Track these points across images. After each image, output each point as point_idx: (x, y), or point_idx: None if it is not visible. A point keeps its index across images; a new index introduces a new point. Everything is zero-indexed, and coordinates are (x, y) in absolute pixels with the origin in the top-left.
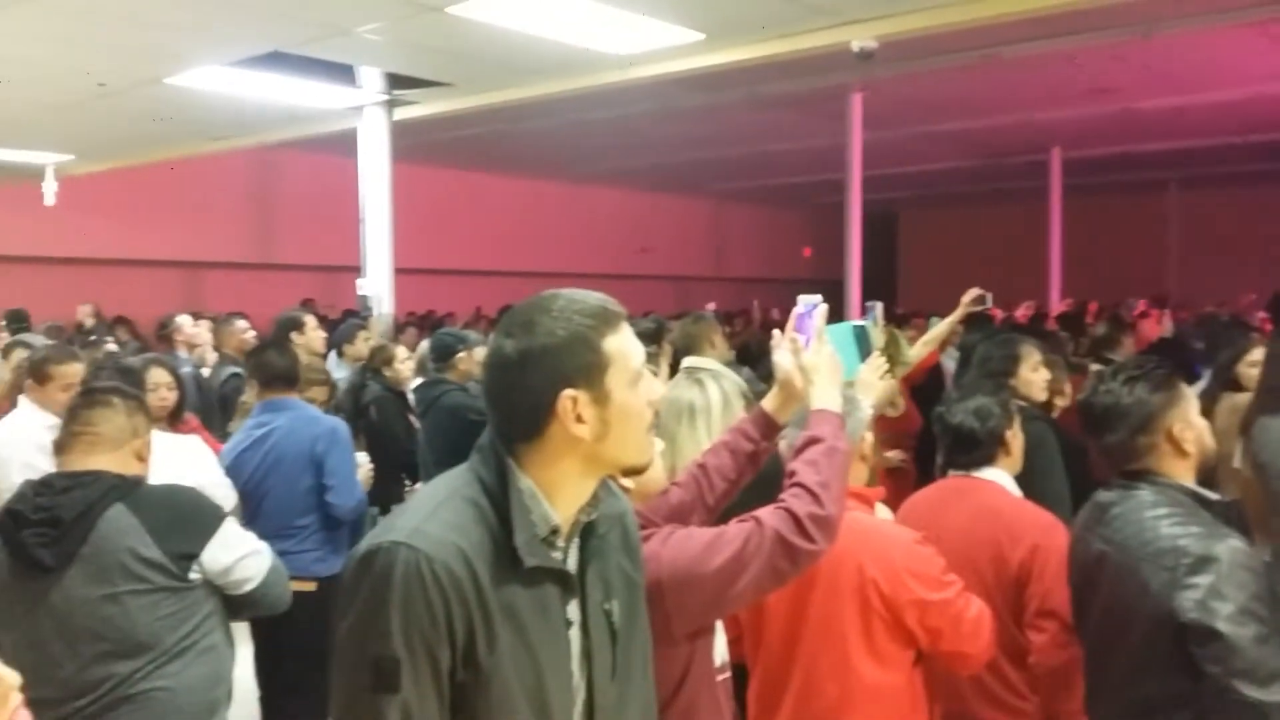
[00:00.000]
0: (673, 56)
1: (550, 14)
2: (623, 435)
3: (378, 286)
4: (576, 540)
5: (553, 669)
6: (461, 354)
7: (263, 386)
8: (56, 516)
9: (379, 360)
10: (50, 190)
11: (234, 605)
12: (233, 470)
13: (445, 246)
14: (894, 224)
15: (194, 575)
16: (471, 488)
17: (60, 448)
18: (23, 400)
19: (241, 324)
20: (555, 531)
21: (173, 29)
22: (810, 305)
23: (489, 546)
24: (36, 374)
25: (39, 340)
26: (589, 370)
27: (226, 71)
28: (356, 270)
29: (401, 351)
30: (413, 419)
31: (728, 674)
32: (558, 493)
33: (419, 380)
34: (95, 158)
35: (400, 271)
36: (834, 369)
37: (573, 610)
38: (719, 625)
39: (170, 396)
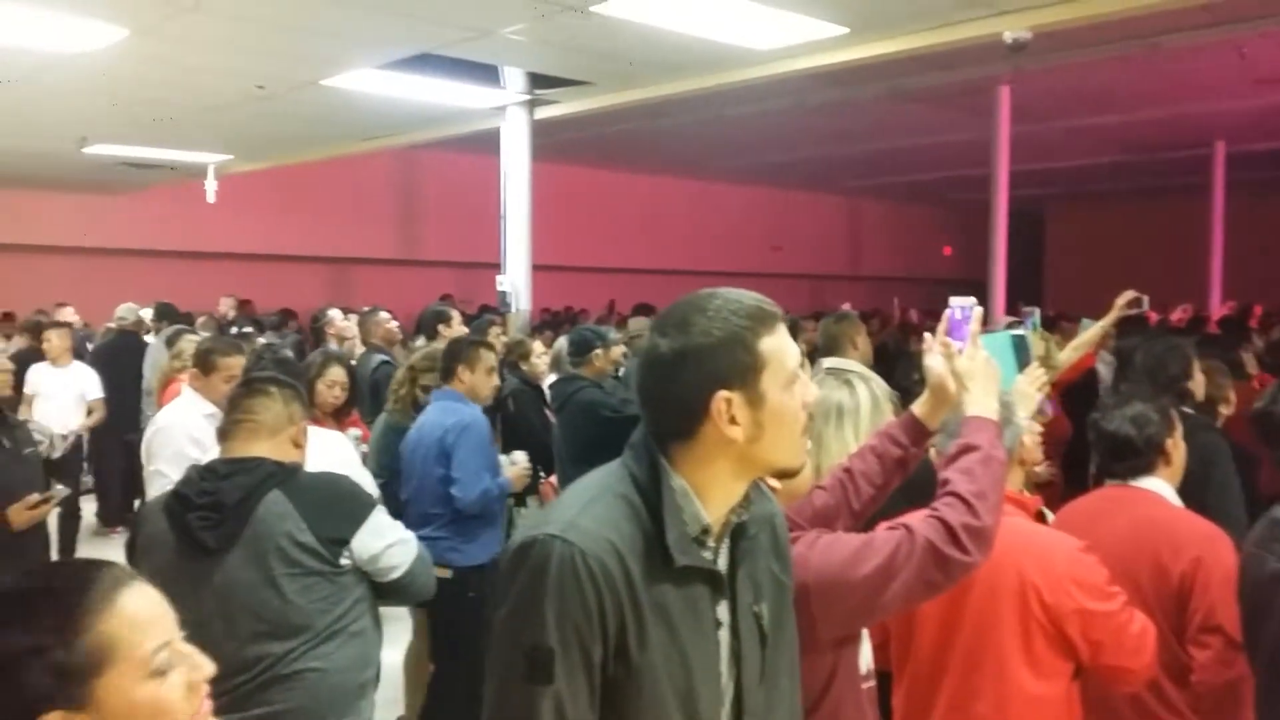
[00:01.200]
0: (815, 51)
1: (694, 10)
2: (776, 437)
3: (516, 282)
4: (727, 541)
5: (702, 670)
6: (598, 351)
7: (441, 376)
8: (219, 501)
9: (516, 355)
10: (211, 189)
11: (381, 592)
12: (406, 457)
13: (580, 244)
14: (1040, 222)
15: (345, 561)
16: (624, 484)
17: (223, 435)
18: (186, 389)
19: (384, 315)
20: (706, 531)
21: (329, 34)
22: (965, 308)
23: (641, 543)
24: (202, 364)
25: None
26: (744, 371)
27: (377, 74)
28: (494, 267)
29: (538, 346)
30: (548, 413)
31: (873, 682)
32: (709, 493)
33: (555, 375)
34: (252, 157)
35: (536, 268)
36: (990, 375)
37: (722, 611)
38: (864, 632)
39: (343, 395)
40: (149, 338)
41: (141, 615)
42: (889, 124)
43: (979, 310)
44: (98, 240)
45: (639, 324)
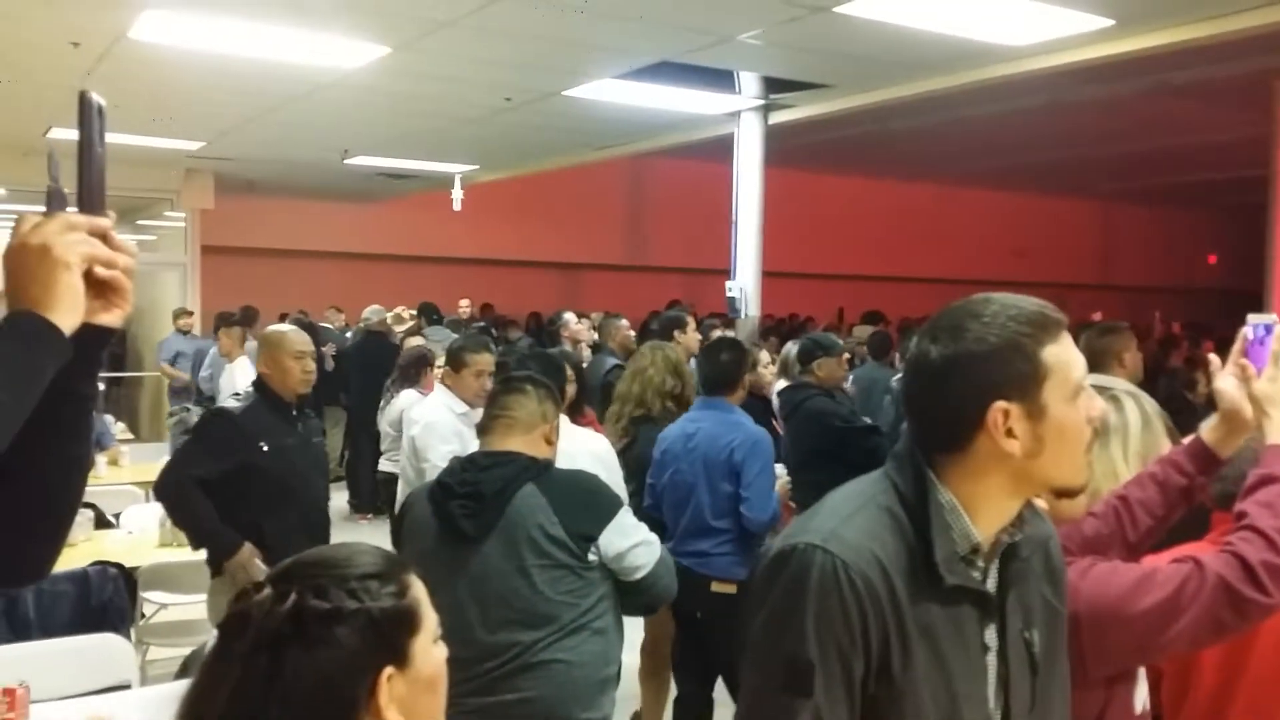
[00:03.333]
0: (1074, 46)
1: (944, 7)
2: (1058, 453)
3: (745, 288)
4: (997, 562)
5: (968, 695)
6: (827, 359)
7: (703, 386)
8: (479, 491)
9: None
10: (458, 197)
11: (625, 591)
12: (660, 462)
13: (808, 250)
14: None
15: (591, 557)
16: (888, 496)
17: (482, 429)
18: (438, 386)
19: (623, 322)
20: (976, 550)
21: (574, 45)
22: (1264, 326)
23: (905, 559)
24: (453, 362)
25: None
26: (1023, 381)
27: (615, 83)
28: (721, 273)
29: (764, 356)
30: (775, 423)
31: None
32: (980, 509)
33: (783, 384)
34: (495, 167)
35: (764, 274)
36: None
37: (990, 636)
38: (1141, 671)
39: (569, 390)
40: (415, 340)
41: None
42: (1151, 122)
43: None
44: (356, 246)
45: (863, 331)
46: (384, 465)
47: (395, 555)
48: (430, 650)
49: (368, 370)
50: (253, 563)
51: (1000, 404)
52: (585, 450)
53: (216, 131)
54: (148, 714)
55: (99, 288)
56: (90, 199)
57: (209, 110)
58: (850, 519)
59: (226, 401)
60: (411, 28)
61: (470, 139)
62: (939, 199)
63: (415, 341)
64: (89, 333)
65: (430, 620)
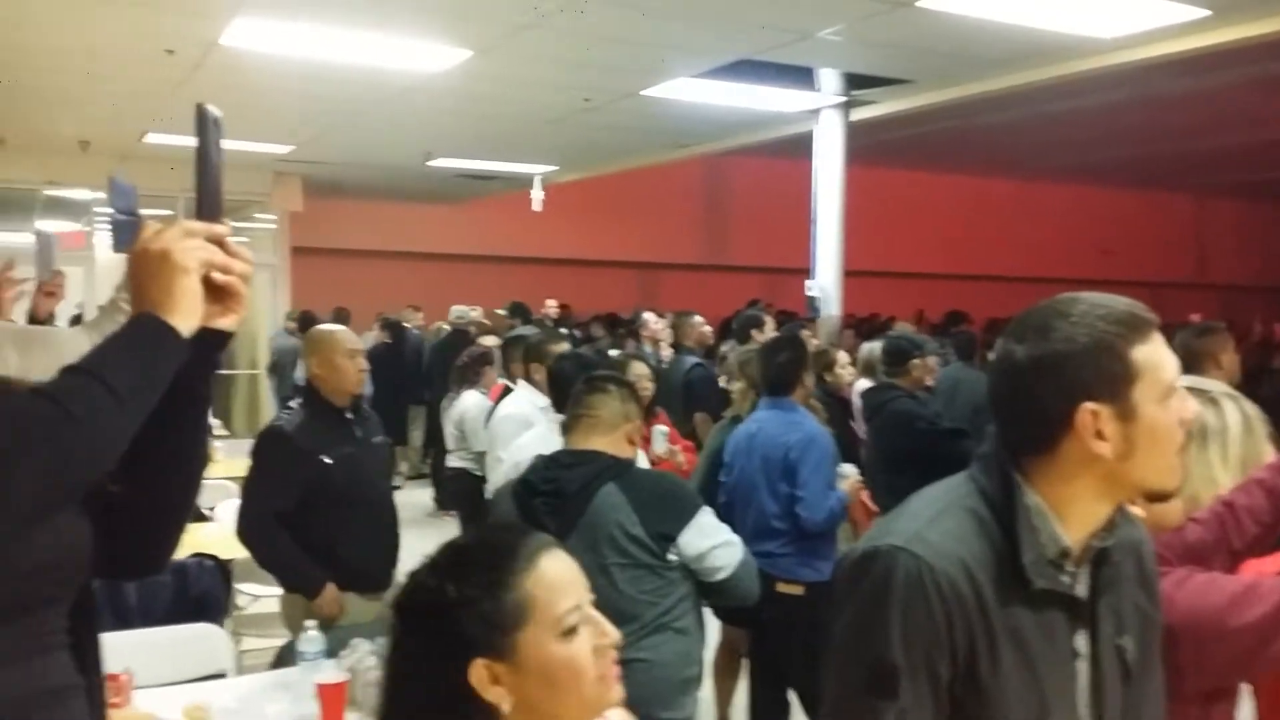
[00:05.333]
0: (1167, 37)
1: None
2: (1149, 456)
3: (826, 287)
4: (1087, 566)
5: (1058, 701)
6: (915, 360)
7: (764, 386)
8: (561, 489)
9: (820, 365)
10: (538, 198)
11: (706, 592)
12: (728, 463)
13: (887, 248)
14: None
15: (671, 556)
16: (973, 498)
17: (565, 428)
18: (522, 383)
19: (698, 319)
20: (1065, 554)
21: (654, 44)
22: None
23: (992, 562)
24: (534, 356)
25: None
26: (1113, 382)
27: (693, 82)
28: (799, 272)
29: (843, 356)
30: (853, 424)
31: None
32: (1068, 513)
33: (865, 384)
34: (574, 168)
35: (844, 273)
36: None
37: (1081, 641)
38: (1243, 688)
39: (649, 388)
40: (489, 339)
41: (559, 578)
42: (1250, 114)
43: None
44: (437, 246)
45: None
46: (452, 462)
47: (522, 548)
48: (547, 644)
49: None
50: (335, 601)
51: (1089, 405)
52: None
53: (305, 135)
54: (243, 702)
55: (216, 292)
56: (207, 206)
57: (298, 115)
58: (935, 521)
59: (279, 417)
60: (494, 31)
61: (550, 140)
62: (1022, 195)
63: (490, 341)
64: (206, 335)
65: (551, 614)
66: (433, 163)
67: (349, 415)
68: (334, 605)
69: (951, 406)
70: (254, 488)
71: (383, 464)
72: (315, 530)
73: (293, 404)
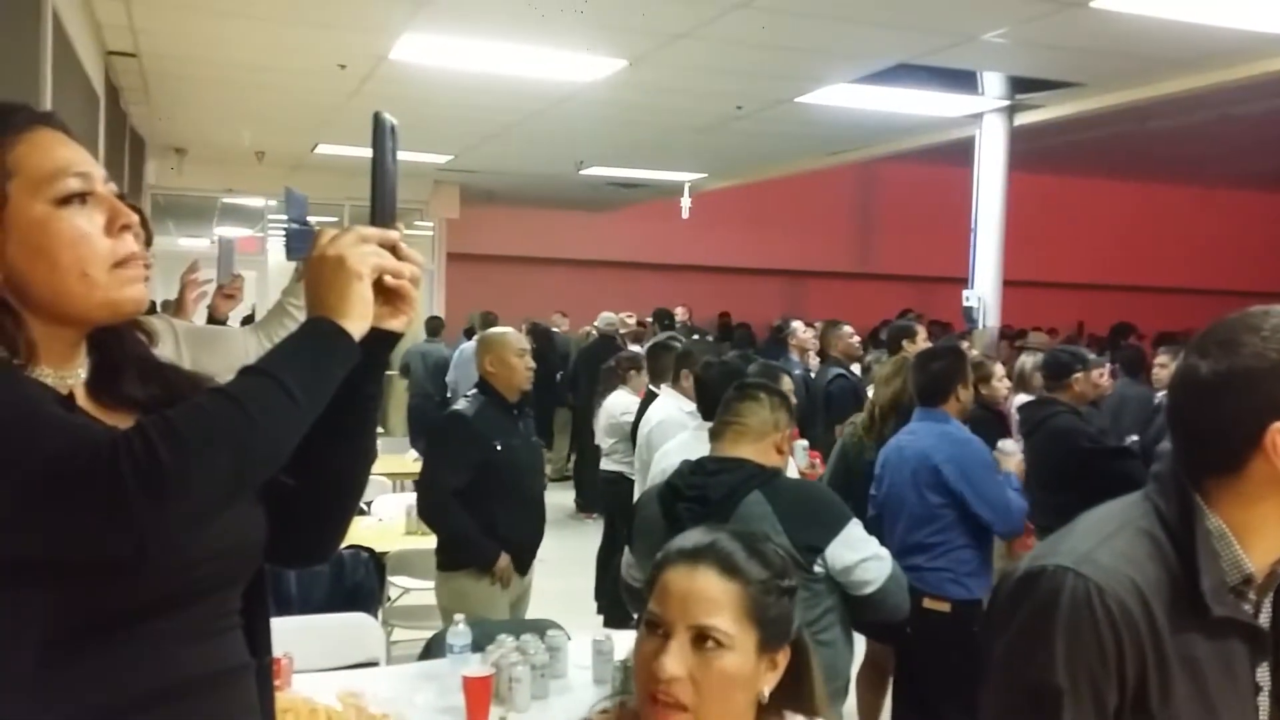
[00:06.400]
0: None
1: None
2: None
3: (984, 297)
4: (1271, 595)
5: None
6: (1078, 374)
7: (916, 396)
8: (705, 495)
9: (975, 377)
10: (686, 205)
11: (853, 606)
12: (879, 475)
13: (1047, 257)
14: None
15: (818, 569)
16: (1148, 519)
17: (713, 435)
18: (666, 389)
19: (847, 329)
20: (1248, 581)
21: (809, 51)
22: None
23: (1167, 587)
24: (680, 364)
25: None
26: None
27: (848, 88)
28: (951, 281)
29: (999, 369)
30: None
31: None
32: (1253, 537)
33: (1022, 397)
34: (724, 175)
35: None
36: None
37: (1263, 675)
38: None
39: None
40: (635, 346)
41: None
42: None
43: None
44: (587, 253)
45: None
46: (606, 465)
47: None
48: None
49: (597, 372)
50: (508, 568)
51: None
52: None
53: (464, 145)
54: (393, 690)
55: (387, 295)
56: (382, 212)
57: (459, 126)
58: (1106, 542)
59: (457, 404)
60: (649, 41)
61: (700, 147)
62: (1199, 202)
63: (635, 347)
64: (376, 336)
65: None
66: (584, 171)
67: (516, 411)
68: (508, 571)
69: (1118, 424)
70: (435, 467)
71: (538, 460)
72: (478, 509)
73: (469, 395)
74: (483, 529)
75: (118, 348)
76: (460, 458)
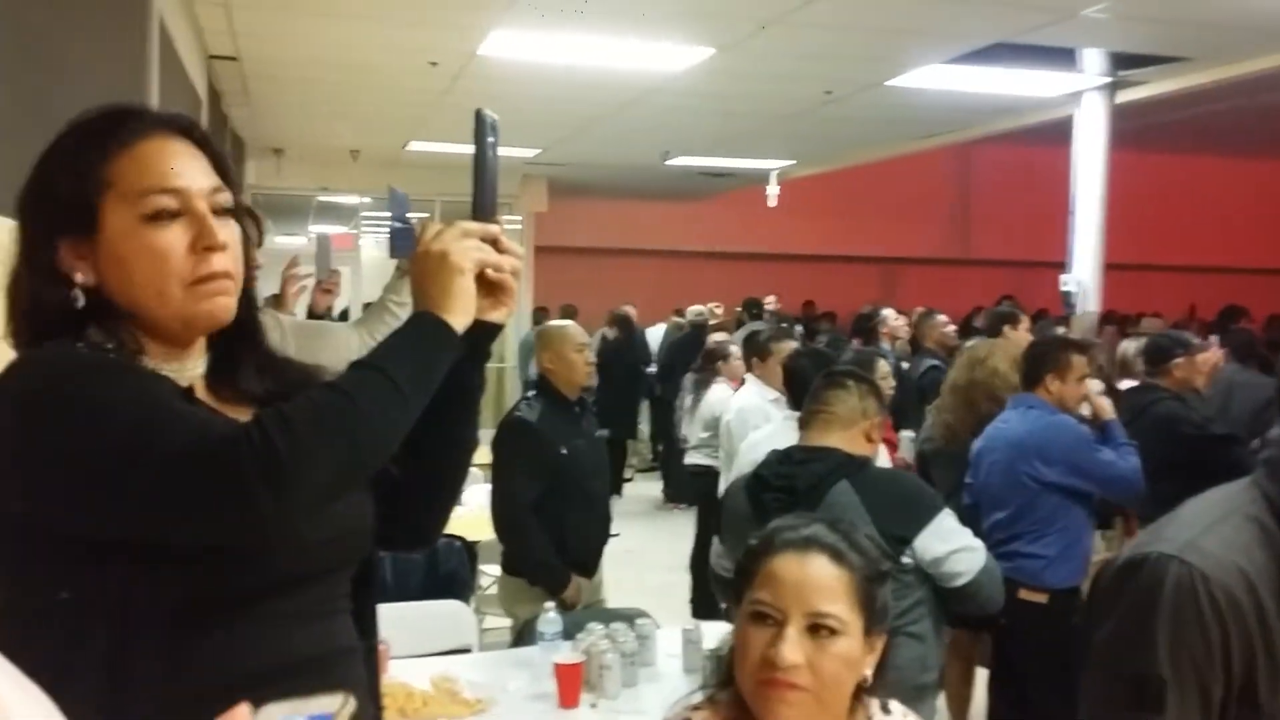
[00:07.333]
0: None
1: None
2: None
3: (1084, 282)
4: None
5: None
6: (1179, 359)
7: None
8: (793, 485)
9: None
10: (773, 194)
11: (945, 598)
12: (975, 463)
13: (1153, 239)
14: None
15: (906, 560)
16: (1256, 505)
17: (802, 423)
18: (750, 377)
19: (942, 318)
20: None
21: (900, 32)
22: None
23: (1276, 575)
24: (760, 352)
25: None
26: None
27: (941, 69)
28: (1050, 266)
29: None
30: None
31: None
32: None
33: (1125, 384)
34: (812, 162)
35: (1104, 266)
36: None
37: None
38: None
39: (887, 388)
40: (720, 335)
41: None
42: None
43: None
44: (673, 243)
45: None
46: (693, 459)
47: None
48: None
49: (685, 364)
50: (577, 591)
51: None
52: None
53: (552, 139)
54: (485, 677)
55: (489, 288)
56: (483, 207)
57: (547, 119)
58: (1211, 529)
59: (517, 407)
60: (737, 28)
61: (788, 134)
62: None
63: (719, 336)
64: (479, 329)
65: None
66: (671, 161)
67: (577, 409)
68: (576, 595)
69: (1226, 411)
70: (507, 479)
71: (602, 457)
72: (548, 517)
73: (529, 396)
74: (554, 540)
75: (238, 342)
76: (530, 469)
